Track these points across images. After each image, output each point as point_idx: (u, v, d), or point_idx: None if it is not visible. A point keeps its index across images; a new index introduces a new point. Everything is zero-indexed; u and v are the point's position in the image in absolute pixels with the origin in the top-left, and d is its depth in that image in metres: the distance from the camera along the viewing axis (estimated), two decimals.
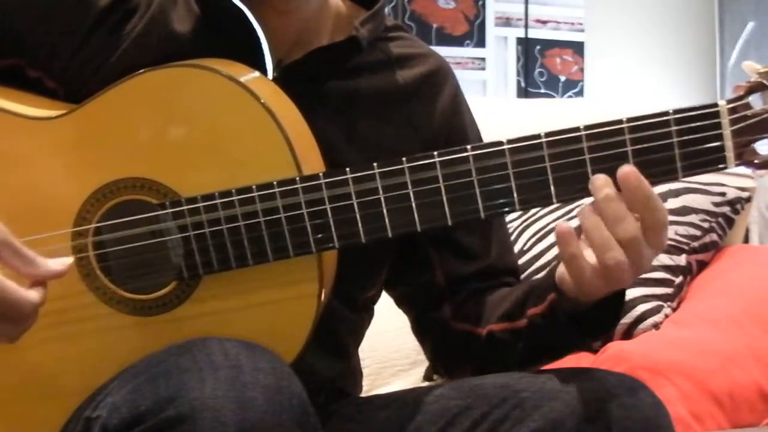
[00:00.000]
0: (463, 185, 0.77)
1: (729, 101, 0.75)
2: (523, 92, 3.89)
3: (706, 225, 1.80)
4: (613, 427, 0.79)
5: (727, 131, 0.74)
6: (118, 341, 0.83)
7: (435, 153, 0.77)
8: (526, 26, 3.93)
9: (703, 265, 1.79)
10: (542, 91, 3.93)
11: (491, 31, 3.87)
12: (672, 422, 0.82)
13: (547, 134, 0.76)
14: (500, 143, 0.77)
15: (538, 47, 3.95)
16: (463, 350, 0.98)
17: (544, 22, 3.96)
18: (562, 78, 3.97)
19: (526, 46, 3.92)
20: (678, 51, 4.12)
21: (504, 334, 0.92)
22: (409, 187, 0.78)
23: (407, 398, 0.92)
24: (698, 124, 0.74)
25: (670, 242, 1.73)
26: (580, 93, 3.98)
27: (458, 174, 0.77)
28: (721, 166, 0.75)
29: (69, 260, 0.78)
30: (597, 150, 0.75)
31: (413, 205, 0.78)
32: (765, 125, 0.74)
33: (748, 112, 0.74)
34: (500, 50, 3.88)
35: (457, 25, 3.81)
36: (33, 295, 0.74)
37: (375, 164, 0.78)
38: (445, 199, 0.78)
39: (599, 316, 0.84)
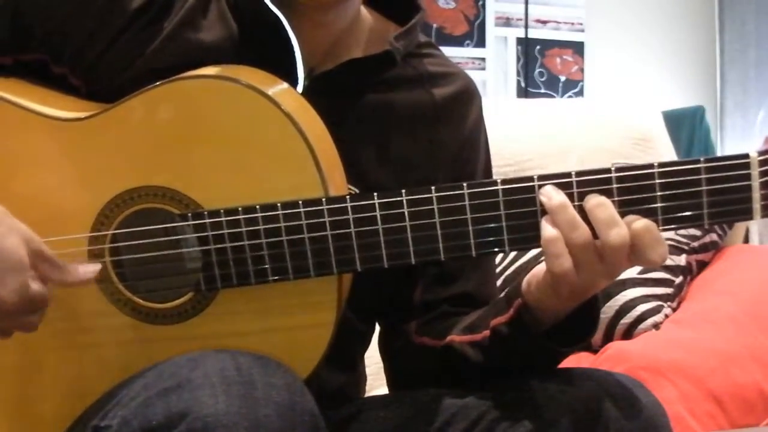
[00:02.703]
0: (491, 218, 0.77)
1: (760, 153, 0.74)
2: (523, 92, 3.89)
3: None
4: (611, 427, 0.79)
5: (756, 183, 0.74)
6: (129, 348, 0.82)
7: (464, 184, 0.77)
8: (526, 26, 3.93)
9: (703, 265, 1.79)
10: (542, 91, 3.93)
11: (491, 31, 3.87)
12: (670, 422, 0.82)
13: (578, 173, 0.76)
14: (530, 179, 0.76)
15: (538, 47, 3.95)
16: (416, 361, 0.97)
17: (544, 22, 3.96)
18: (562, 78, 3.97)
19: (526, 46, 3.92)
20: (678, 51, 4.11)
21: (463, 345, 0.90)
22: (436, 216, 0.77)
23: (406, 398, 0.92)
24: (728, 173, 0.74)
25: (670, 242, 1.73)
26: (580, 93, 3.98)
27: (486, 206, 0.77)
28: (746, 216, 0.75)
29: (97, 267, 0.80)
30: (626, 193, 0.75)
31: (439, 234, 0.77)
32: None
33: None
34: (500, 50, 3.88)
35: (457, 25, 3.81)
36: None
37: (403, 191, 0.77)
38: (471, 230, 0.77)
39: (570, 325, 0.83)
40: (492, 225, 0.77)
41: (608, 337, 1.61)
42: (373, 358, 1.04)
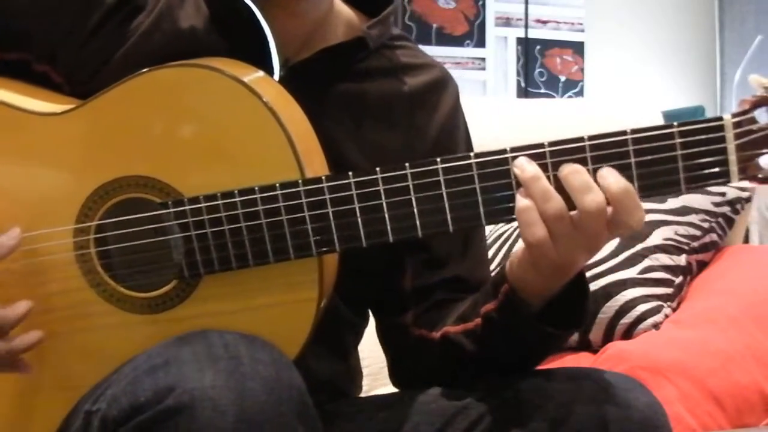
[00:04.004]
0: (466, 192, 0.77)
1: (734, 115, 0.74)
2: (523, 92, 3.89)
3: (706, 225, 1.80)
4: (611, 426, 0.79)
5: (731, 145, 0.74)
6: (117, 338, 0.83)
7: (438, 159, 0.77)
8: (526, 26, 3.93)
9: (703, 265, 1.79)
10: (542, 91, 3.93)
11: (491, 31, 3.88)
12: (669, 422, 0.82)
13: (551, 143, 0.76)
14: (504, 151, 0.77)
15: (538, 47, 3.95)
16: (417, 356, 0.97)
17: (544, 22, 3.96)
18: (562, 78, 3.98)
19: (526, 46, 3.93)
20: (678, 51, 4.12)
21: (458, 336, 0.90)
22: (412, 193, 0.77)
23: (406, 398, 0.92)
24: (702, 137, 0.74)
25: (670, 242, 1.73)
26: (580, 93, 3.98)
27: (461, 181, 0.77)
28: (723, 180, 0.74)
29: (16, 231, 0.81)
30: (600, 160, 0.75)
31: (415, 210, 0.78)
32: None
33: (753, 127, 0.74)
34: (500, 50, 3.89)
35: (457, 25, 3.82)
36: (18, 308, 0.79)
37: (378, 169, 0.78)
38: (447, 205, 0.77)
39: (561, 306, 0.83)
40: (467, 199, 0.77)
41: (608, 337, 1.61)
42: (373, 359, 1.04)
